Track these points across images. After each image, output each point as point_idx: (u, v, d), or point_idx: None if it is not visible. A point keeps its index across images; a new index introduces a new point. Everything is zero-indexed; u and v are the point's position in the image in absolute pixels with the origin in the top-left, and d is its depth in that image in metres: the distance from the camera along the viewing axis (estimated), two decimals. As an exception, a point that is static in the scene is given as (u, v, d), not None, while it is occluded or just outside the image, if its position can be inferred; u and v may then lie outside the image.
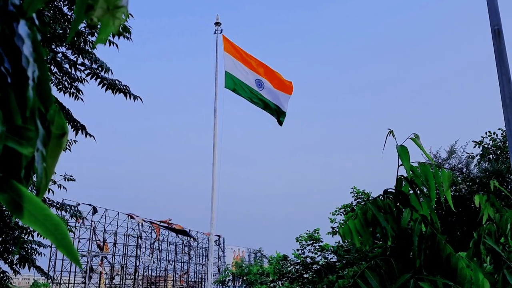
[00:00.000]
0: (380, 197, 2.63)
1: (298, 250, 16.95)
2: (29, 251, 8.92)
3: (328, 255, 16.39)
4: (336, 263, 15.48)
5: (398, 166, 2.61)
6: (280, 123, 13.26)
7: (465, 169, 14.89)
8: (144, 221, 38.51)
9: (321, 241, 16.83)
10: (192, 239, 48.27)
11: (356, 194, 16.67)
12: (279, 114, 13.19)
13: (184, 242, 48.21)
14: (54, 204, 8.87)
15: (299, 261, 16.66)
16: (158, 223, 40.54)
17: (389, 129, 2.67)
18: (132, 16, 7.39)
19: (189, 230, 47.64)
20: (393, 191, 2.60)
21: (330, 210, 16.94)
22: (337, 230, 15.53)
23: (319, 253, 16.57)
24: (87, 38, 7.45)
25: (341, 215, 16.61)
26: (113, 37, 6.89)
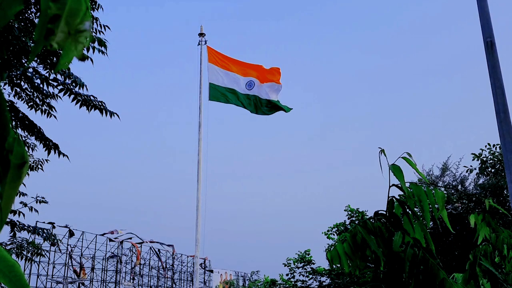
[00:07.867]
0: (371, 219, 2.63)
1: (287, 274, 16.83)
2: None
3: (321, 278, 16.30)
4: (330, 287, 15.40)
5: (389, 186, 2.62)
6: (284, 109, 13.07)
7: (460, 186, 15.02)
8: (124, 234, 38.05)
9: (313, 263, 16.74)
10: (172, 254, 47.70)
11: (350, 213, 16.64)
12: (275, 106, 13.02)
13: (168, 266, 47.57)
14: (26, 227, 8.71)
15: (287, 286, 16.54)
16: (139, 245, 40.12)
17: (380, 147, 2.69)
18: (108, 28, 7.39)
19: (173, 247, 47.04)
20: (384, 213, 2.61)
21: (326, 229, 16.89)
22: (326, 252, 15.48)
23: (310, 276, 16.48)
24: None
25: (334, 234, 16.56)
26: (87, 51, 6.86)
